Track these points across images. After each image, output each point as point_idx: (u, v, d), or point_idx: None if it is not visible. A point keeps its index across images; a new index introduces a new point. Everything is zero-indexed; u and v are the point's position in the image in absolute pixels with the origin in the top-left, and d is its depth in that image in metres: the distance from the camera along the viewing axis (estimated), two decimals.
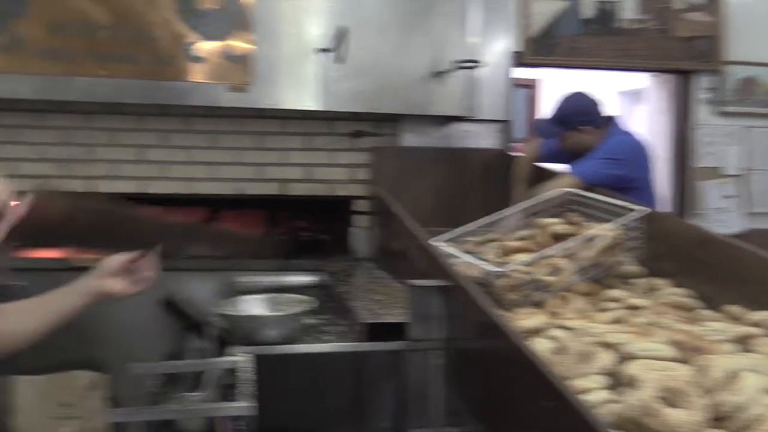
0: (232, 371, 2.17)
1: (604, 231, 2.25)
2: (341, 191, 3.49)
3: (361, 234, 3.50)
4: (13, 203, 1.10)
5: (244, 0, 3.13)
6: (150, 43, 3.09)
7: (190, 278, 3.34)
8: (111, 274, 1.62)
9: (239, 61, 3.14)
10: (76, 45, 3.05)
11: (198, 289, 3.34)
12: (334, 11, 3.21)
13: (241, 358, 2.15)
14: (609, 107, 3.51)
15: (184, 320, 3.24)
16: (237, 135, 3.39)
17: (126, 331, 3.28)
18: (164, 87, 3.13)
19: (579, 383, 1.49)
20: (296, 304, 2.39)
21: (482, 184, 3.47)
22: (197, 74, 3.13)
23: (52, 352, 3.25)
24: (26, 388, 3.17)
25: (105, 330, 3.26)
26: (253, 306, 2.42)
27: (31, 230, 1.20)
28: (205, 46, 3.12)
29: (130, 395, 3.25)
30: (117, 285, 1.62)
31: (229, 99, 3.16)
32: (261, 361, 2.18)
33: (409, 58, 3.29)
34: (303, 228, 4.34)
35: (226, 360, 2.17)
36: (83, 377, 3.22)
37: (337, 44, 3.08)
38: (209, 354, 2.71)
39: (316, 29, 3.21)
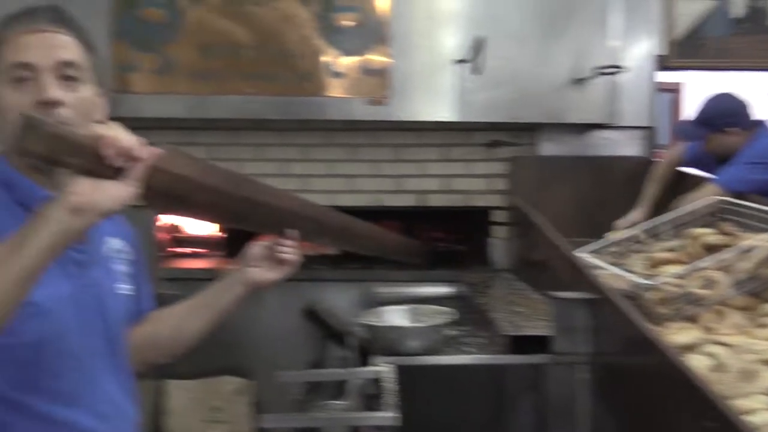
0: (374, 381, 2.20)
1: (762, 241, 2.11)
2: (479, 202, 3.47)
3: (499, 245, 3.46)
4: (140, 150, 1.11)
5: (380, 14, 3.18)
6: (291, 60, 3.20)
7: (331, 288, 3.41)
8: (254, 263, 1.62)
9: (377, 74, 3.19)
10: (223, 65, 3.19)
11: (338, 299, 3.41)
12: (471, 22, 3.20)
13: (383, 368, 2.17)
14: (758, 110, 3.31)
15: (326, 329, 3.31)
16: (375, 147, 3.44)
17: (270, 340, 3.38)
18: (305, 102, 3.22)
19: (742, 403, 1.41)
20: (437, 315, 2.39)
21: (625, 193, 3.36)
22: (336, 89, 3.20)
23: (202, 358, 3.40)
24: (178, 392, 3.33)
25: (250, 338, 3.38)
26: (395, 316, 2.44)
27: (163, 188, 1.23)
28: (344, 62, 3.19)
29: (274, 402, 3.37)
30: (263, 272, 1.61)
31: (368, 112, 3.21)
32: (403, 371, 2.19)
33: (548, 65, 3.24)
34: (440, 239, 4.34)
35: (369, 370, 2.20)
36: (231, 383, 3.34)
37: (475, 55, 3.07)
38: (351, 363, 2.76)
39: (452, 40, 3.22)
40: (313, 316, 3.32)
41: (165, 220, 3.81)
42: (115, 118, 3.26)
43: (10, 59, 1.30)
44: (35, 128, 1.00)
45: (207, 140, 3.43)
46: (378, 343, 2.33)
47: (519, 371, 2.49)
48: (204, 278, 3.38)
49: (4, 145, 1.34)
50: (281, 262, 1.60)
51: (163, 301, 3.42)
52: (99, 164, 1.08)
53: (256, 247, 1.63)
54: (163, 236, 3.71)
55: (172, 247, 3.86)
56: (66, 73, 1.31)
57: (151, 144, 1.18)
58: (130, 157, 1.10)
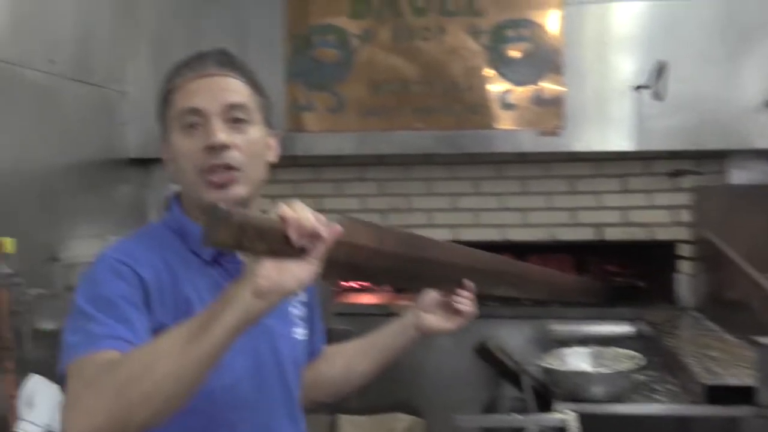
0: (556, 429, 2.08)
1: None
2: (661, 235, 3.26)
3: (684, 281, 3.23)
4: (325, 228, 1.07)
5: (552, 42, 3.08)
6: (460, 94, 3.16)
7: (503, 325, 3.31)
8: (429, 309, 1.58)
9: (550, 104, 3.09)
10: (393, 101, 3.20)
11: (512, 336, 3.29)
12: (649, 44, 3.03)
13: (566, 416, 2.05)
14: None
15: (499, 368, 3.20)
16: (548, 179, 3.33)
17: (441, 377, 3.32)
18: (475, 136, 3.17)
19: None
20: (623, 359, 2.24)
21: None
22: (508, 121, 3.13)
23: (374, 393, 3.40)
24: (350, 427, 3.32)
25: (421, 375, 3.34)
26: (577, 359, 2.30)
27: (342, 259, 1.18)
28: (516, 93, 3.11)
29: None
30: (436, 320, 1.57)
31: (541, 144, 3.11)
32: (587, 419, 2.06)
33: (736, 87, 3.00)
34: (617, 273, 4.13)
35: (551, 417, 2.08)
36: (402, 420, 3.30)
37: (656, 79, 2.90)
38: (527, 406, 2.65)
39: (629, 65, 3.06)
40: (485, 353, 3.22)
41: None
42: (289, 157, 3.36)
43: (180, 105, 1.33)
44: (221, 219, 0.99)
45: (377, 175, 3.45)
46: (559, 388, 2.21)
47: (716, 424, 2.28)
48: (374, 314, 3.44)
49: (183, 193, 1.37)
50: (457, 312, 1.56)
51: (334, 336, 3.46)
52: (283, 246, 1.06)
53: (431, 295, 1.59)
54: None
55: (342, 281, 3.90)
56: (234, 116, 1.32)
57: (333, 218, 1.14)
58: (314, 237, 1.07)
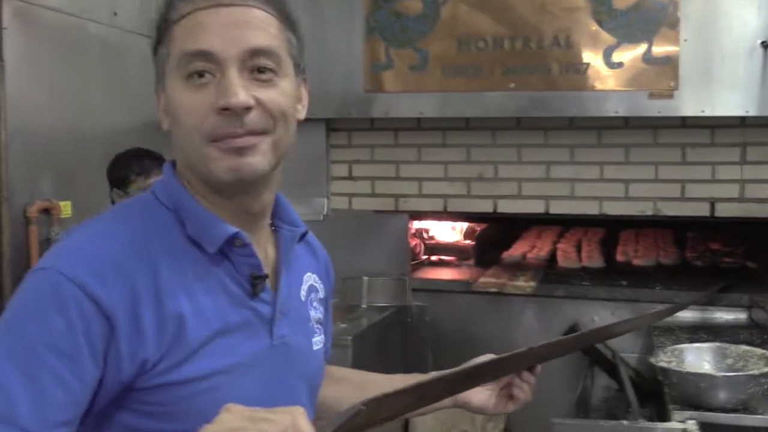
0: None
1: None
2: None
3: None
4: None
5: None
6: (559, 51, 2.83)
7: (597, 307, 3.03)
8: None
9: (662, 63, 2.73)
10: (482, 59, 2.90)
11: (606, 321, 3.00)
12: None
13: (687, 426, 1.76)
14: None
15: (591, 355, 2.92)
16: (655, 148, 2.98)
17: None
18: (575, 98, 2.85)
19: None
20: (755, 359, 1.92)
21: None
22: (612, 81, 2.79)
23: None
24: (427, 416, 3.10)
25: (503, 352, 3.06)
26: (696, 357, 1.99)
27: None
28: (623, 50, 2.76)
29: None
30: (482, 398, 1.28)
31: (650, 108, 2.77)
32: (707, 430, 1.77)
33: None
34: (721, 252, 3.75)
35: (670, 427, 1.79)
36: None
37: None
38: (629, 403, 2.37)
39: (755, 19, 2.67)
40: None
41: (417, 225, 3.61)
42: (366, 119, 3.11)
43: (184, 44, 0.97)
44: None
45: (462, 141, 3.17)
46: (676, 391, 1.90)
47: None
48: (455, 291, 3.18)
49: (181, 161, 1.04)
50: (510, 396, 1.28)
51: (410, 314, 3.22)
52: None
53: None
54: (413, 242, 3.50)
55: (420, 254, 3.65)
56: (259, 64, 0.98)
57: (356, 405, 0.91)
58: None
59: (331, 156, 3.27)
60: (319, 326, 1.18)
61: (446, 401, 1.24)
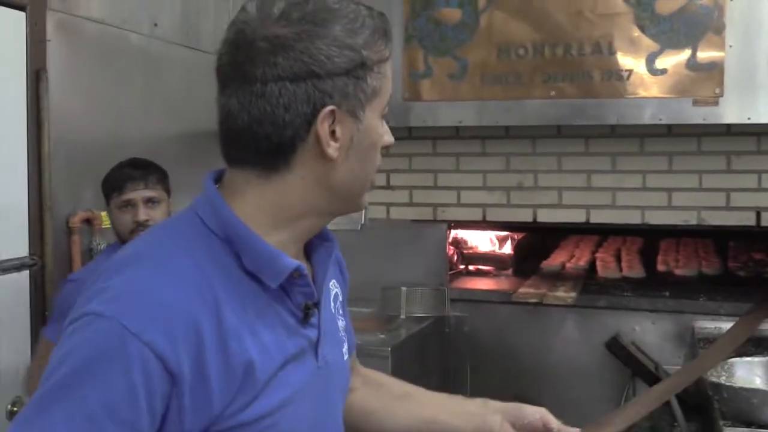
0: None
1: None
2: None
3: None
4: None
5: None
6: (600, 58, 2.79)
7: (639, 318, 2.98)
8: (521, 426, 1.25)
9: (708, 69, 2.68)
10: (522, 67, 2.87)
11: (648, 332, 2.97)
12: None
13: None
14: None
15: (633, 366, 2.87)
16: (699, 156, 2.92)
17: (566, 371, 3.02)
18: (616, 105, 2.81)
19: None
20: None
21: None
22: (655, 88, 2.74)
23: (488, 386, 3.14)
24: None
25: (544, 367, 3.04)
26: (747, 371, 1.94)
27: None
28: (666, 56, 2.71)
29: None
30: None
31: (694, 115, 2.71)
32: None
33: None
34: (765, 262, 3.67)
35: None
36: None
37: None
38: (674, 417, 2.31)
39: None
40: (618, 348, 2.89)
41: (455, 234, 3.58)
42: (404, 128, 3.09)
43: (389, 89, 1.00)
44: None
45: (501, 150, 3.14)
46: (726, 407, 1.85)
47: None
48: (493, 301, 3.15)
49: (319, 190, 0.99)
50: None
51: (448, 324, 3.19)
52: None
53: (536, 415, 1.25)
54: (451, 252, 3.47)
55: (457, 264, 3.62)
56: None
57: None
58: None
59: None
60: (345, 334, 1.17)
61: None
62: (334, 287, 1.16)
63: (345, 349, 1.15)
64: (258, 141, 0.93)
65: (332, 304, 1.14)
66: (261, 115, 0.92)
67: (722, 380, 1.86)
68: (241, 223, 0.95)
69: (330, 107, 0.93)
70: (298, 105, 0.92)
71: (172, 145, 2.78)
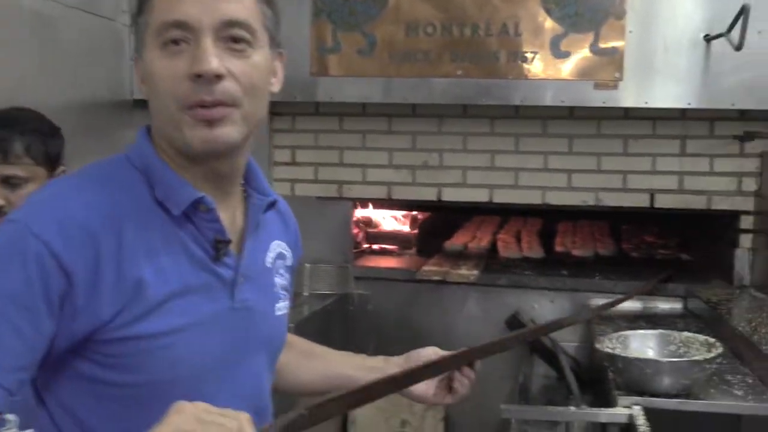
0: (616, 425, 1.81)
1: None
2: (721, 204, 2.94)
3: (743, 256, 2.92)
4: None
5: None
6: (506, 39, 2.82)
7: (537, 296, 3.05)
8: None
9: (609, 54, 2.75)
10: (430, 45, 2.87)
11: (546, 309, 3.04)
12: None
13: (635, 412, 1.76)
14: None
15: (532, 343, 2.94)
16: (597, 138, 3.00)
17: (468, 346, 3.05)
18: (520, 86, 2.85)
19: None
20: (697, 345, 1.94)
21: None
22: (559, 71, 2.80)
23: None
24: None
25: (446, 347, 3.04)
26: (641, 343, 2.01)
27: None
28: (570, 39, 2.77)
29: (468, 424, 3.04)
30: (426, 390, 1.34)
31: (594, 98, 2.79)
32: (653, 417, 1.78)
33: None
34: (656, 244, 3.83)
35: (616, 412, 1.80)
36: None
37: (734, 27, 2.55)
38: (570, 391, 2.38)
39: (700, 12, 2.72)
40: (518, 326, 2.95)
41: (359, 213, 3.57)
42: (311, 103, 3.04)
43: (162, 14, 1.01)
44: None
45: (408, 128, 3.13)
46: (621, 377, 1.91)
47: None
48: (397, 279, 3.15)
49: (155, 127, 1.08)
50: (450, 389, 1.34)
51: (353, 302, 3.18)
52: None
53: (430, 357, 1.35)
54: (356, 231, 3.46)
55: (363, 243, 3.61)
56: (233, 34, 1.02)
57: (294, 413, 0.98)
58: None
59: (274, 141, 3.20)
60: (285, 292, 1.21)
61: None
62: (280, 247, 1.22)
63: (281, 305, 1.19)
64: None
65: (269, 258, 1.18)
66: None
67: (617, 352, 1.92)
68: (156, 156, 1.06)
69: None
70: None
71: (70, 114, 2.64)
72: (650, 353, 1.95)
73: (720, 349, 1.87)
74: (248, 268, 1.10)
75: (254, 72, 1.04)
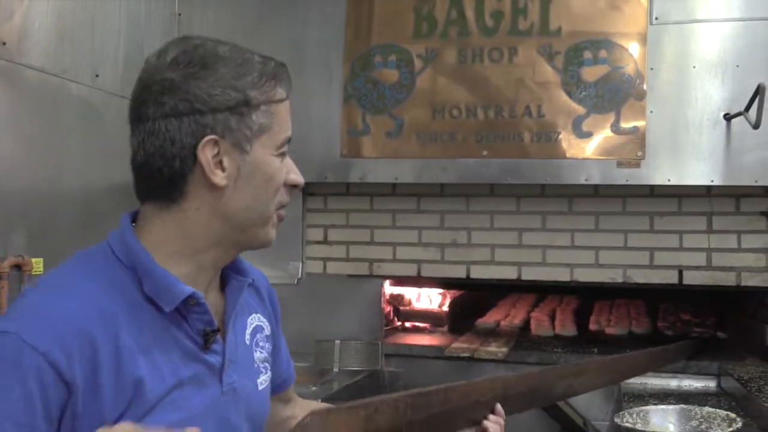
0: None
1: None
2: (750, 281, 2.93)
3: None
4: None
5: (635, 65, 2.82)
6: (530, 120, 2.91)
7: None
8: None
9: (630, 133, 2.82)
10: (456, 127, 2.97)
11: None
12: (743, 70, 2.75)
13: None
14: None
15: (563, 422, 2.91)
16: (624, 216, 3.04)
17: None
18: (545, 166, 2.92)
19: None
20: (718, 420, 1.93)
21: None
22: (582, 150, 2.87)
23: None
24: None
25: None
26: (661, 418, 2.00)
27: None
28: (592, 119, 2.85)
29: None
30: None
31: (618, 176, 2.84)
32: None
33: None
34: (692, 322, 3.78)
35: None
36: None
37: (751, 106, 2.60)
38: None
39: (719, 92, 2.78)
40: (549, 406, 2.93)
41: (389, 290, 3.62)
42: (342, 184, 3.14)
43: (287, 131, 1.11)
44: None
45: (436, 207, 3.21)
46: None
47: None
48: (428, 356, 3.17)
49: (227, 216, 1.08)
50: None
51: (382, 379, 3.19)
52: None
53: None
54: (386, 308, 3.51)
55: (394, 320, 3.65)
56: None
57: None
58: None
59: (307, 220, 3.30)
60: (265, 365, 1.24)
61: None
62: (254, 320, 1.24)
63: (262, 379, 1.22)
64: (154, 174, 1.04)
65: (248, 336, 1.21)
66: (153, 150, 1.03)
67: (638, 427, 1.91)
68: (144, 250, 1.05)
69: (210, 137, 1.03)
70: (183, 138, 1.03)
71: (111, 195, 2.78)
72: (671, 428, 1.94)
73: (740, 424, 1.85)
74: (233, 351, 1.13)
75: None
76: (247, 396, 1.16)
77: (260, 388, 1.21)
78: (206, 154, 1.03)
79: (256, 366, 1.21)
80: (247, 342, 1.20)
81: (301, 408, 1.42)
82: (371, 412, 1.11)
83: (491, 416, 1.35)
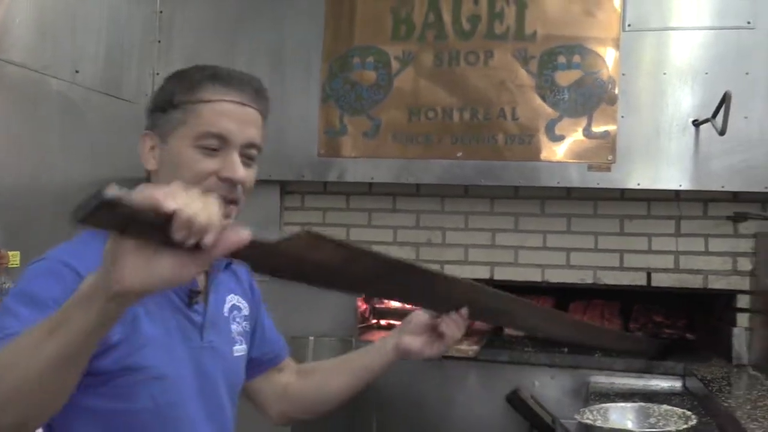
0: None
1: None
2: (717, 284, 3.00)
3: (741, 335, 2.96)
4: (216, 233, 0.92)
5: (607, 72, 2.88)
6: (504, 123, 2.97)
7: (538, 373, 3.08)
8: (414, 332, 1.56)
9: (601, 137, 2.88)
10: (432, 128, 3.02)
11: (547, 386, 3.07)
12: (713, 77, 2.81)
13: None
14: None
15: (532, 419, 2.97)
16: (595, 219, 3.10)
17: (468, 424, 3.09)
18: (518, 168, 2.97)
19: None
20: (675, 418, 1.99)
21: None
22: (554, 154, 2.92)
23: None
24: None
25: (446, 421, 3.10)
26: (620, 415, 2.06)
27: (289, 268, 1.16)
28: (565, 123, 2.90)
29: None
30: (418, 343, 1.55)
31: (590, 179, 2.90)
32: None
33: None
34: (665, 324, 3.85)
35: None
36: None
37: (723, 113, 2.66)
38: None
39: (689, 99, 2.84)
40: (518, 402, 2.99)
41: None
42: (319, 183, 3.17)
43: (206, 126, 1.30)
44: (112, 206, 0.82)
45: (412, 207, 3.26)
46: None
47: None
48: None
49: None
50: (441, 336, 1.53)
51: None
52: (167, 239, 0.89)
53: (420, 317, 1.56)
54: (361, 305, 3.55)
55: (369, 318, 3.69)
56: (249, 153, 1.34)
57: (277, 231, 1.04)
58: (204, 236, 0.91)
59: (285, 218, 3.34)
60: (241, 338, 1.47)
61: (390, 353, 1.57)
62: (233, 299, 1.48)
63: (237, 348, 1.45)
64: None
65: (226, 309, 1.45)
66: None
67: (597, 423, 1.97)
68: None
69: (146, 131, 1.36)
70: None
71: (88, 189, 2.81)
72: (629, 425, 1.99)
73: (694, 422, 1.91)
74: (213, 315, 1.38)
75: (253, 179, 1.36)
76: (224, 357, 1.39)
77: (235, 354, 1.44)
78: (143, 145, 1.35)
79: (232, 336, 1.44)
80: (225, 314, 1.44)
81: (296, 373, 1.67)
82: (356, 255, 1.22)
83: (453, 314, 1.49)
